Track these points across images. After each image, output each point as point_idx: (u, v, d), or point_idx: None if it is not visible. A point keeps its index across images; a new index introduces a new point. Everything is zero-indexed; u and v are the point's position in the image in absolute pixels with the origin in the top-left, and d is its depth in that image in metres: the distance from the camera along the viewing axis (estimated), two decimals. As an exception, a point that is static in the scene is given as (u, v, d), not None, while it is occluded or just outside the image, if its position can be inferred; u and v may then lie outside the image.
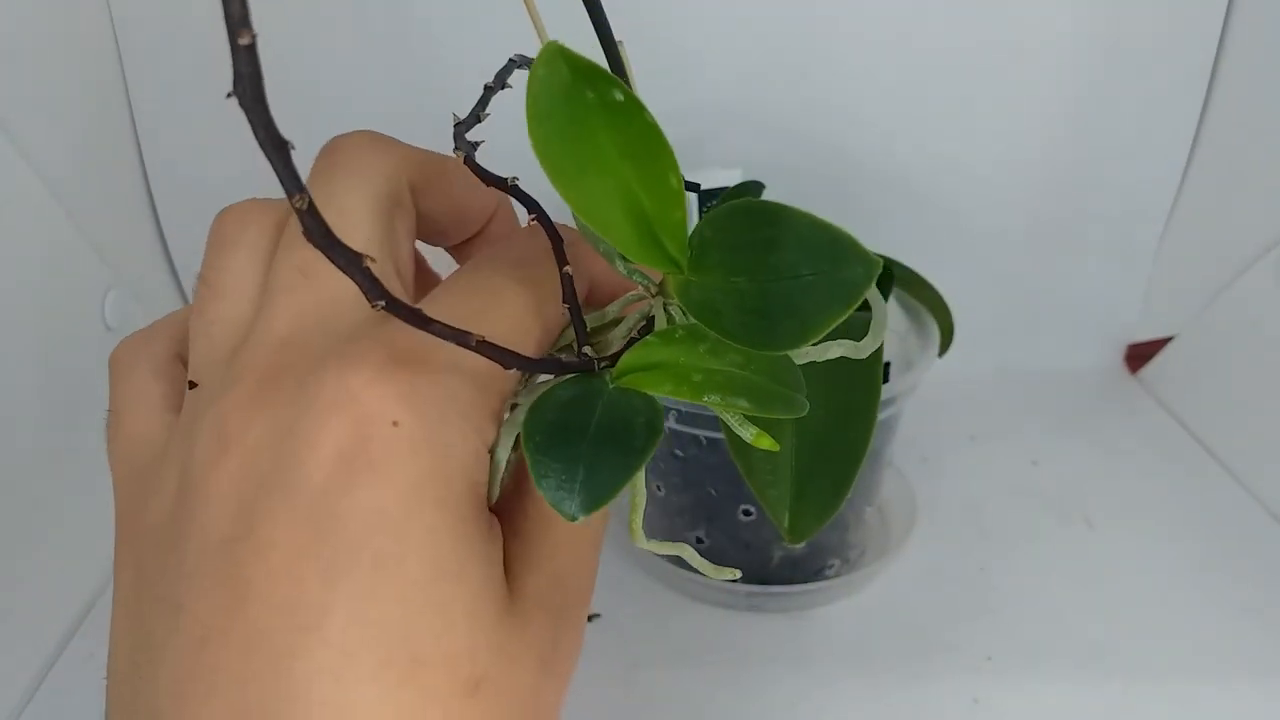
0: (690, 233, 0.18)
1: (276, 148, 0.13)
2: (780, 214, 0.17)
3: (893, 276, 0.37)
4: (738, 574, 0.20)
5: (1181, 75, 0.47)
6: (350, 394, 0.16)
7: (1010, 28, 0.46)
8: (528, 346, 0.18)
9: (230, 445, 0.17)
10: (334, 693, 0.15)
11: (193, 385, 0.19)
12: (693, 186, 0.31)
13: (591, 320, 0.20)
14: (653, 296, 0.20)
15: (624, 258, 0.19)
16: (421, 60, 0.45)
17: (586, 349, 0.19)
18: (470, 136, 0.20)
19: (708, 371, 0.17)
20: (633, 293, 0.20)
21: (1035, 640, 0.36)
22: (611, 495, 0.16)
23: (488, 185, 0.19)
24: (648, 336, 0.18)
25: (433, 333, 0.16)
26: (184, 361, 0.22)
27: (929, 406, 0.42)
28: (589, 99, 0.16)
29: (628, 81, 0.23)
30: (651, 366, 0.17)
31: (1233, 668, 0.35)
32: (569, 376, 0.18)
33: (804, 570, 0.38)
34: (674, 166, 0.17)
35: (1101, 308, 0.53)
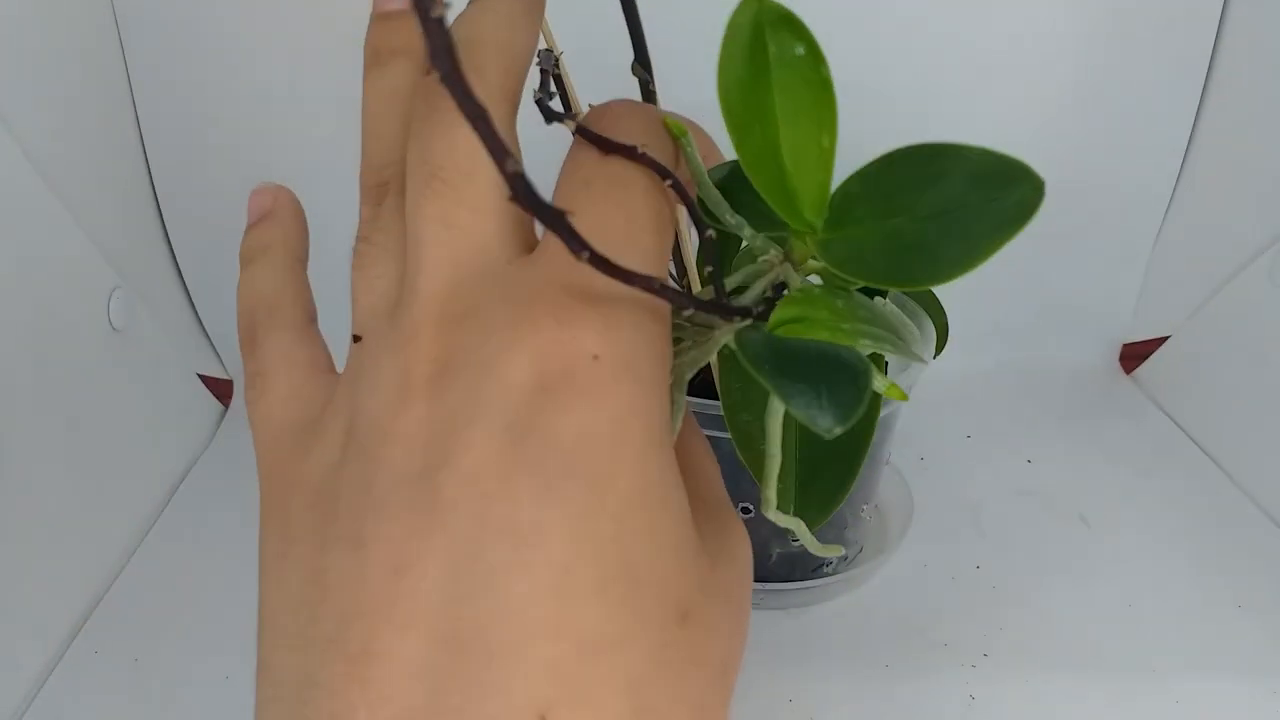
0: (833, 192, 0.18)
1: (478, 117, 0.13)
2: (943, 151, 0.17)
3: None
4: (841, 550, 0.21)
5: (1177, 75, 0.47)
6: (543, 332, 0.16)
7: (1005, 28, 0.46)
8: (667, 246, 0.19)
9: (414, 390, 0.17)
10: (555, 610, 0.15)
11: (357, 339, 0.19)
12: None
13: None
14: (780, 264, 0.20)
15: (750, 225, 0.19)
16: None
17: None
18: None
19: (855, 326, 0.17)
20: (763, 259, 0.21)
21: (1031, 638, 0.36)
22: (861, 410, 0.16)
23: (608, 154, 0.19)
24: (792, 293, 0.18)
25: (628, 282, 0.16)
26: (314, 320, 0.22)
27: (926, 405, 0.43)
28: (770, 51, 0.17)
29: (652, 85, 0.23)
30: (801, 319, 0.17)
31: (1227, 665, 0.35)
32: (726, 327, 0.19)
33: (802, 568, 0.38)
34: (830, 126, 0.17)
35: (1097, 307, 0.53)
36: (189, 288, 0.50)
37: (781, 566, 0.38)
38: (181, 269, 0.50)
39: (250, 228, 0.23)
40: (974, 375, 0.52)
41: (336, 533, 0.17)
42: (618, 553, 0.16)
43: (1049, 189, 0.17)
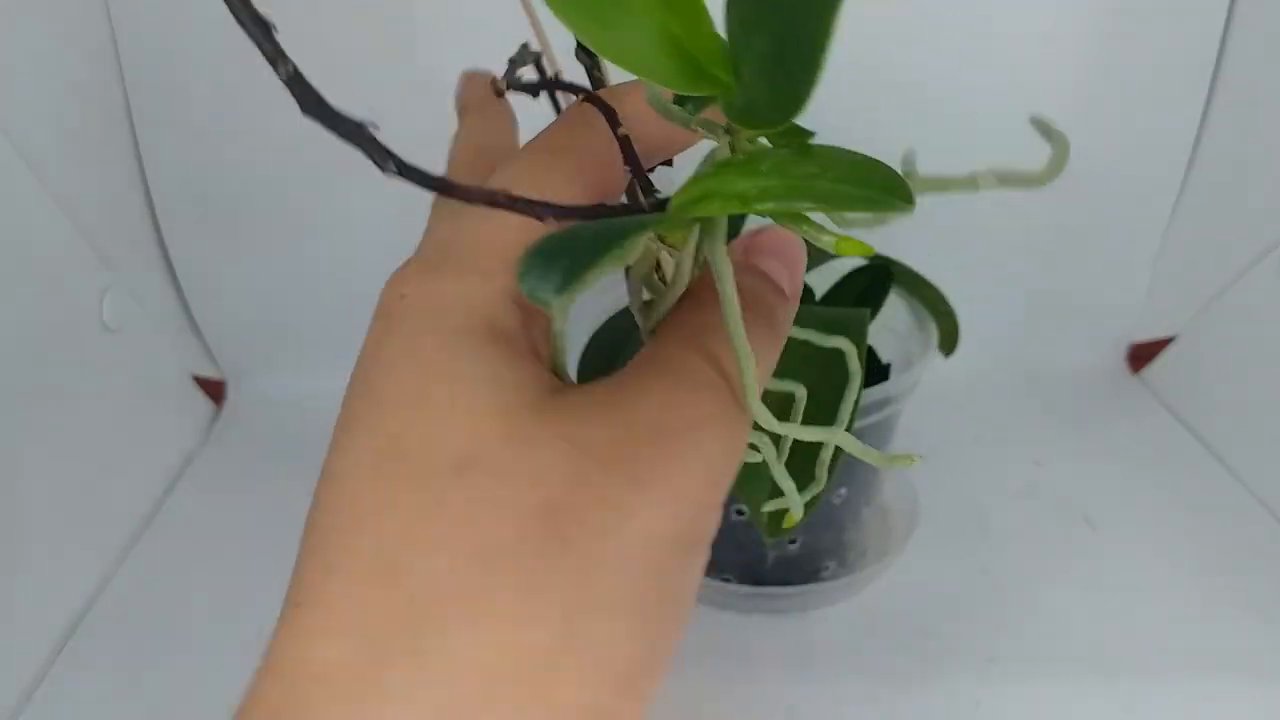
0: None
1: (257, 24, 0.14)
2: None
3: (891, 275, 0.37)
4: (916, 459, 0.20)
5: (1184, 75, 0.47)
6: (386, 289, 0.19)
7: (1012, 27, 0.46)
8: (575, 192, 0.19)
9: None
10: (347, 492, 0.17)
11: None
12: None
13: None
14: (723, 138, 0.18)
15: (678, 104, 0.18)
16: (422, 58, 0.45)
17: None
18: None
19: (765, 188, 0.16)
20: (713, 147, 0.19)
21: (1037, 642, 0.36)
22: (588, 270, 0.14)
23: (508, 89, 0.19)
24: (717, 162, 0.17)
25: (445, 192, 0.16)
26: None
27: (931, 406, 0.42)
28: None
29: (598, 71, 0.23)
30: (703, 197, 0.16)
31: (1235, 668, 0.35)
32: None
33: (800, 572, 0.37)
34: None
35: (1104, 308, 0.53)
36: (182, 288, 0.50)
37: (779, 570, 0.37)
38: (175, 269, 0.50)
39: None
40: (980, 376, 0.51)
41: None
42: (389, 428, 0.18)
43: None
